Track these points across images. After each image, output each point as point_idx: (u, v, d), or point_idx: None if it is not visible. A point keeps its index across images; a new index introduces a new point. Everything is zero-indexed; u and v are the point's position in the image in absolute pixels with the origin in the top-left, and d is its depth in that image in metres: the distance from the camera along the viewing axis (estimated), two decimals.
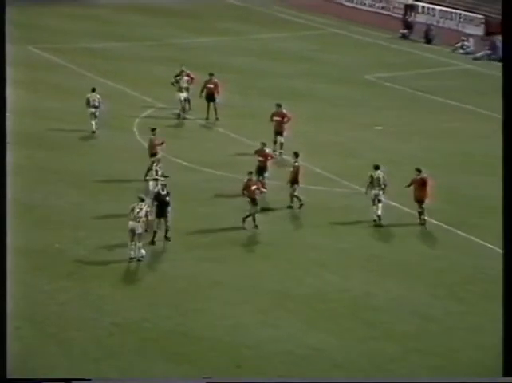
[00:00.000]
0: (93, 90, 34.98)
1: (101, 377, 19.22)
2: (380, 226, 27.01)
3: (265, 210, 27.27)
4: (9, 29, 50.41)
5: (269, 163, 29.06)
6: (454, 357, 20.40)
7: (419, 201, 27.57)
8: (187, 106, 36.64)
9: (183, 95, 36.25)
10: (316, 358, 20.11)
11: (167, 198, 25.35)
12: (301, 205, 28.00)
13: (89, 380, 16.47)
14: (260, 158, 29.07)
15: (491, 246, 25.85)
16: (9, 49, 47.92)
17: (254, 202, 26.51)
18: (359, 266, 24.62)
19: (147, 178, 28.31)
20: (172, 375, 19.39)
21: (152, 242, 25.21)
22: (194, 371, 19.46)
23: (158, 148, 29.78)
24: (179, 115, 36.41)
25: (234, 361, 19.96)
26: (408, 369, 19.77)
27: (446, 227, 27.21)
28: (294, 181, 27.96)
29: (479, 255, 25.49)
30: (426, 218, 27.31)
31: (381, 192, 27.21)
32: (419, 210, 27.45)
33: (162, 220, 25.43)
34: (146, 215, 24.25)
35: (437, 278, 24.04)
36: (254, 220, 26.52)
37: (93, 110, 34.46)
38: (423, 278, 24.02)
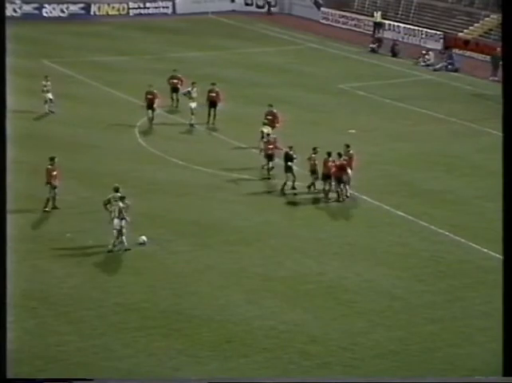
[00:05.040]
0: (46, 78, 37.02)
1: (107, 350, 19.44)
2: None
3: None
4: (25, 46, 50.34)
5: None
6: (414, 329, 20.60)
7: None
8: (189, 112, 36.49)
9: (194, 104, 36.24)
10: (295, 333, 20.28)
11: (293, 157, 28.96)
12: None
13: (91, 380, 15.99)
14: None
15: (447, 234, 26.12)
16: (25, 63, 48.12)
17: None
18: (333, 253, 24.74)
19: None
20: (168, 348, 19.53)
21: (282, 191, 28.81)
22: (188, 345, 19.61)
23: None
24: (191, 124, 36.22)
25: (224, 336, 20.08)
26: (374, 341, 19.99)
27: (409, 217, 27.36)
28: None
29: (437, 242, 25.64)
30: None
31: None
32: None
33: (289, 174, 28.74)
34: (121, 210, 24.05)
35: (400, 262, 24.22)
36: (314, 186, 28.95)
37: (49, 95, 36.74)
38: (389, 262, 24.18)
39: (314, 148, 29.13)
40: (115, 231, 24.13)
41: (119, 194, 24.53)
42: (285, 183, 29.09)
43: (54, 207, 27.11)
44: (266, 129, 31.86)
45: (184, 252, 24.54)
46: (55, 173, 27.04)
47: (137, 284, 22.59)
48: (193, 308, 21.29)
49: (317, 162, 28.82)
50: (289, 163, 29.04)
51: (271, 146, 30.20)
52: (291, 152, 29.22)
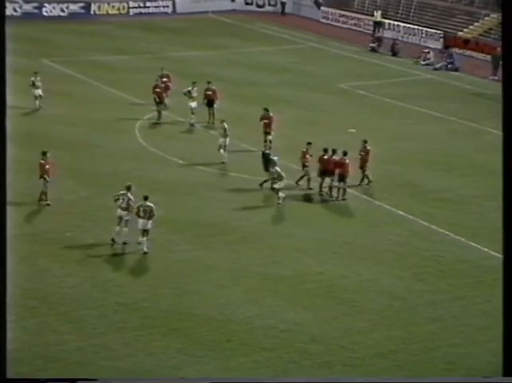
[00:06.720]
0: (35, 74, 37.09)
1: (107, 349, 19.44)
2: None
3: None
4: (25, 45, 50.32)
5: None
6: (414, 329, 20.62)
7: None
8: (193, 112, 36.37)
9: (194, 103, 36.23)
10: (295, 332, 20.30)
11: (270, 157, 29.14)
12: (369, 182, 29.81)
13: (95, 380, 15.88)
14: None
15: (447, 233, 26.13)
16: (25, 62, 48.11)
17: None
18: (333, 252, 24.76)
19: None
20: (168, 347, 19.54)
21: (261, 184, 28.97)
22: (188, 344, 19.62)
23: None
24: (192, 124, 36.19)
25: (224, 335, 20.09)
26: (374, 340, 20.00)
27: (409, 217, 27.36)
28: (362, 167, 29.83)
29: (437, 241, 25.67)
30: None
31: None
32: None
33: (271, 171, 28.75)
34: (129, 205, 24.43)
35: (401, 262, 24.24)
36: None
37: (39, 91, 36.83)
38: (389, 261, 24.20)
39: (325, 149, 28.93)
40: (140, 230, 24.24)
41: (129, 194, 24.58)
42: (273, 181, 28.68)
43: (46, 204, 27.20)
44: (227, 125, 31.90)
45: (184, 252, 24.55)
46: (48, 167, 27.32)
47: (137, 283, 22.62)
48: (193, 307, 21.30)
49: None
50: (269, 162, 28.86)
51: (309, 157, 29.21)
52: (267, 152, 29.61)
